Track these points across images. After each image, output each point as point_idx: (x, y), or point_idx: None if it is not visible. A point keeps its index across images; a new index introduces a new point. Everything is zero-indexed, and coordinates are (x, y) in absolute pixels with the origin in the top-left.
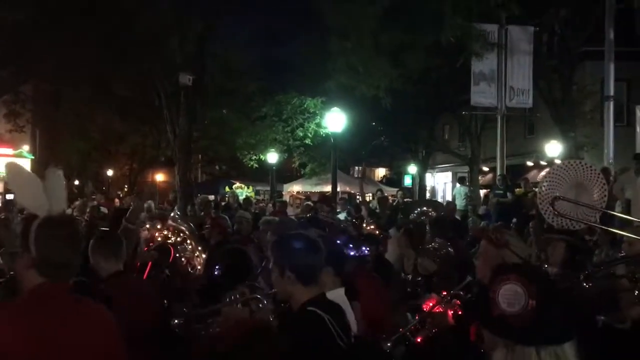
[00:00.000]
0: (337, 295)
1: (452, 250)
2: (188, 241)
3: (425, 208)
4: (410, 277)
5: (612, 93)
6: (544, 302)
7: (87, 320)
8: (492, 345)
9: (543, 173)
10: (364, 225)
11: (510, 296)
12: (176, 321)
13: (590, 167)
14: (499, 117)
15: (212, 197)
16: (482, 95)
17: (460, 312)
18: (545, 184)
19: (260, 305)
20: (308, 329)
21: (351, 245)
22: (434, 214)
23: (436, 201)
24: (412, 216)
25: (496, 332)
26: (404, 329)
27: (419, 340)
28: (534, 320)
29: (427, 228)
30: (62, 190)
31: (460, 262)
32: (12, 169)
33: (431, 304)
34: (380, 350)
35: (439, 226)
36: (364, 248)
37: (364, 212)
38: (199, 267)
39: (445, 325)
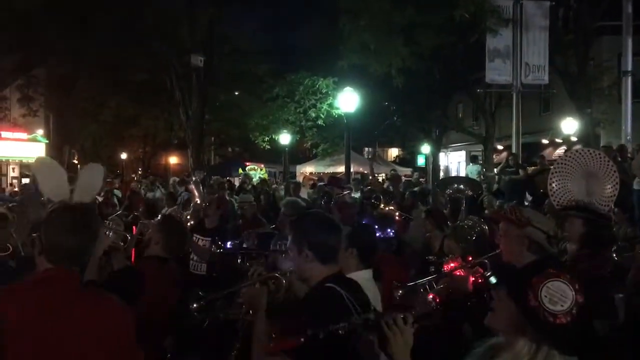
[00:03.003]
0: (362, 276)
1: (486, 227)
2: None
3: (462, 186)
4: (434, 258)
5: (629, 68)
6: (583, 315)
7: (90, 310)
8: (510, 324)
9: (558, 151)
10: (382, 205)
11: (557, 294)
12: (195, 305)
13: (600, 155)
14: (514, 94)
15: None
16: (496, 72)
17: (480, 281)
18: (554, 182)
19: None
20: (325, 304)
21: (376, 227)
22: (470, 192)
23: (473, 179)
24: (448, 192)
25: (529, 320)
26: (419, 282)
27: (430, 297)
28: (567, 326)
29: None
30: (94, 183)
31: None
32: (38, 160)
33: (453, 265)
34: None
35: (472, 204)
36: (389, 230)
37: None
38: None
39: (463, 290)
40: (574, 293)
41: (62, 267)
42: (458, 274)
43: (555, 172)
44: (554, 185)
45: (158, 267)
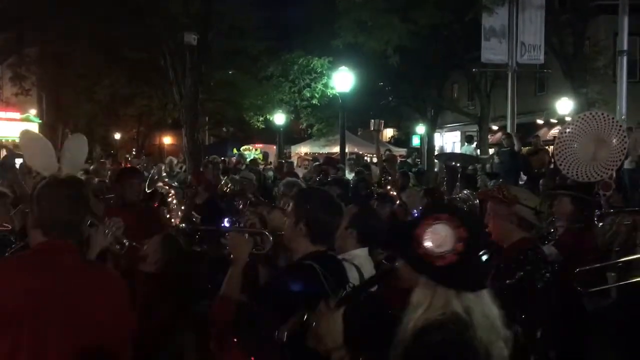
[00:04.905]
0: (358, 254)
1: (477, 202)
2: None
3: (458, 164)
4: None
5: (625, 47)
6: (470, 248)
7: (89, 281)
8: (411, 282)
9: (553, 132)
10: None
11: (438, 236)
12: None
13: (612, 118)
14: (509, 74)
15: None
16: (492, 51)
17: None
18: (568, 129)
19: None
20: (298, 279)
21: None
22: (461, 165)
23: (470, 155)
24: (445, 163)
25: (419, 270)
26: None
27: None
28: (458, 264)
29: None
30: (80, 154)
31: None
32: (25, 133)
33: None
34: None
35: (469, 180)
36: None
37: (374, 170)
38: None
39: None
40: (454, 230)
41: (58, 240)
42: None
43: (569, 126)
44: (566, 132)
45: (152, 286)
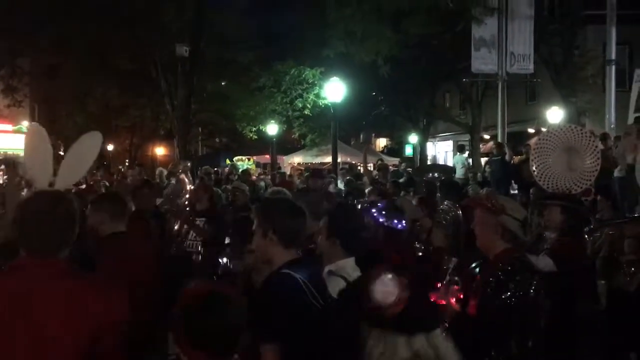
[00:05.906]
0: (347, 265)
1: (460, 213)
2: None
3: (436, 174)
4: (422, 245)
5: (613, 57)
6: (414, 294)
7: (61, 299)
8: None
9: (533, 140)
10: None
11: (383, 290)
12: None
13: (581, 130)
14: (499, 84)
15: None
16: (482, 61)
17: (461, 296)
18: (535, 160)
19: None
20: (281, 288)
21: (383, 213)
22: (442, 176)
23: (447, 165)
24: (424, 177)
25: (370, 325)
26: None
27: None
28: (406, 311)
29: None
30: (83, 162)
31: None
32: (31, 130)
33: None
34: (355, 311)
35: (449, 189)
36: (396, 221)
37: (365, 180)
38: None
39: (453, 313)
40: (394, 280)
41: (34, 256)
42: (441, 303)
43: (537, 148)
44: (535, 162)
45: (121, 244)
